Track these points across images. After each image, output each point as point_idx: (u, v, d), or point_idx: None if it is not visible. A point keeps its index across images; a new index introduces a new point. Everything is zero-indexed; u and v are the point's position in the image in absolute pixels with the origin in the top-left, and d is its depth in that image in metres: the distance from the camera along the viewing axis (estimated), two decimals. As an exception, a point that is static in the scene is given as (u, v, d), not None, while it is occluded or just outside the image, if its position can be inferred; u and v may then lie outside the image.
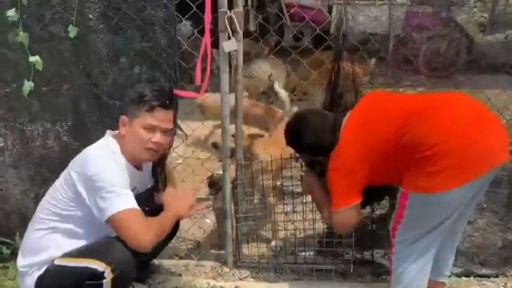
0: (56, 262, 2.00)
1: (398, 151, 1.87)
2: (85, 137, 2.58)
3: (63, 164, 2.56)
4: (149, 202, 2.23)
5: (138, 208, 1.92)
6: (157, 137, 2.01)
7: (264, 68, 4.77)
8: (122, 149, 2.03)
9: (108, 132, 2.12)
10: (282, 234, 2.75)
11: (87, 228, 2.04)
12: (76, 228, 2.02)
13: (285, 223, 2.69)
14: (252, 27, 5.69)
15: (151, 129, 2.00)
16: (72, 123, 2.59)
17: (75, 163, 2.02)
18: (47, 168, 2.66)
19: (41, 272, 2.03)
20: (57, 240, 2.02)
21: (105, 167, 1.92)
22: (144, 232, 1.89)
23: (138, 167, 2.12)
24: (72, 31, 2.36)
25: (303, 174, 2.41)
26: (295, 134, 2.20)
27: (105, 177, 1.89)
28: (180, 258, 2.82)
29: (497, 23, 7.19)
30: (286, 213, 2.70)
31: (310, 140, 2.14)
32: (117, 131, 2.12)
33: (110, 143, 2.04)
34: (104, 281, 1.89)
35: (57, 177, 2.54)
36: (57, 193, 2.02)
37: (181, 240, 2.92)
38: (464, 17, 6.61)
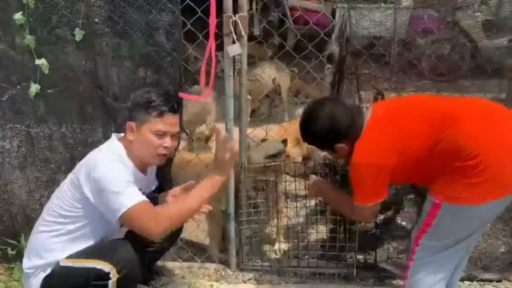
0: (62, 263, 2.02)
1: (435, 155, 1.80)
2: (90, 139, 2.61)
3: (68, 166, 2.63)
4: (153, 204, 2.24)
5: (147, 200, 1.93)
6: (167, 141, 2.03)
7: (268, 72, 4.78)
8: (129, 153, 2.04)
9: (114, 135, 2.13)
10: (285, 237, 2.74)
11: (93, 230, 2.05)
12: (82, 230, 2.04)
13: (288, 226, 2.69)
14: (256, 31, 5.69)
15: (162, 134, 2.01)
16: (78, 126, 2.60)
17: (82, 166, 2.03)
18: (52, 170, 2.68)
19: (47, 273, 2.04)
20: (63, 242, 2.04)
21: (112, 169, 1.93)
22: (153, 224, 1.90)
23: (143, 171, 2.14)
24: (79, 34, 2.38)
25: (308, 180, 2.38)
26: (309, 122, 2.04)
27: (113, 179, 1.91)
28: (184, 260, 2.82)
29: (502, 27, 7.16)
30: (289, 217, 2.70)
31: (326, 125, 1.97)
32: (122, 134, 2.13)
33: (116, 147, 2.05)
34: (110, 281, 1.91)
35: (62, 179, 2.57)
36: (63, 195, 2.03)
37: (184, 242, 2.91)
38: (469, 22, 6.59)
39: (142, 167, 2.12)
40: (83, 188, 1.95)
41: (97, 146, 2.50)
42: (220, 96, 3.28)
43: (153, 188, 2.30)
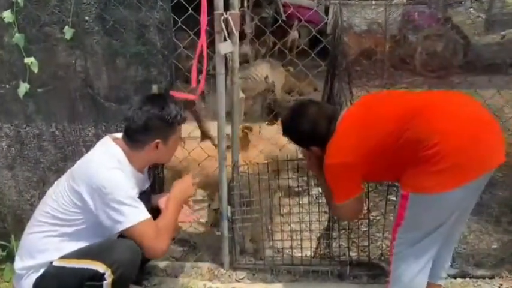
0: (55, 263, 1.99)
1: (399, 148, 1.84)
2: (81, 139, 2.59)
3: (59, 166, 2.64)
4: (146, 203, 2.22)
5: (150, 217, 1.96)
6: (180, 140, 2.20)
7: (261, 70, 4.77)
8: (130, 158, 2.03)
9: (109, 137, 2.10)
10: (278, 235, 2.74)
11: (88, 233, 2.03)
12: (76, 232, 2.02)
13: (282, 224, 2.68)
14: (248, 29, 5.67)
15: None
16: (68, 125, 2.57)
17: (80, 172, 1.99)
18: (43, 170, 2.65)
19: (39, 273, 2.02)
20: (55, 243, 2.02)
21: (114, 178, 1.92)
22: (157, 241, 1.95)
23: (141, 171, 2.13)
24: (68, 32, 2.35)
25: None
26: (292, 121, 2.17)
27: (116, 189, 1.90)
28: (176, 259, 2.81)
29: (494, 23, 7.21)
30: (282, 215, 2.69)
31: (306, 128, 2.10)
32: (116, 135, 2.11)
33: (114, 151, 2.02)
34: (104, 282, 1.90)
35: (53, 179, 2.55)
36: (59, 197, 2.01)
37: (177, 241, 2.91)
38: (461, 18, 6.63)
39: (142, 168, 2.13)
40: (83, 194, 1.93)
41: (88, 146, 2.55)
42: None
43: (147, 186, 2.28)
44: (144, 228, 1.92)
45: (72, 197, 1.97)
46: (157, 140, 2.00)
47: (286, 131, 2.23)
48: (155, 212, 2.12)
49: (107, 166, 1.94)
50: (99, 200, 1.91)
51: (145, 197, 2.22)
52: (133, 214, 1.91)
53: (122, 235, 2.02)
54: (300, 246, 2.71)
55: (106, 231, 1.99)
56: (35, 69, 2.39)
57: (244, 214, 2.63)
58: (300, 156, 2.47)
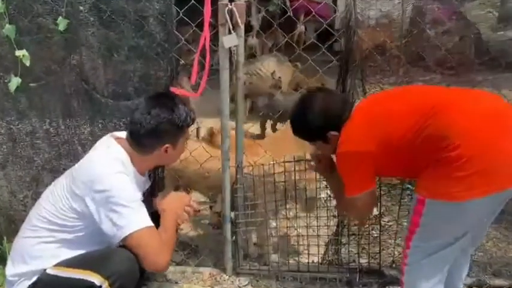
0: (49, 271, 1.90)
1: (418, 144, 1.68)
2: (76, 136, 2.48)
3: (53, 165, 2.53)
4: (147, 204, 2.10)
5: (153, 225, 1.86)
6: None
7: (267, 66, 4.60)
8: (133, 160, 1.94)
9: (111, 137, 2.00)
10: (284, 240, 2.64)
11: (87, 240, 1.94)
12: (74, 239, 1.92)
13: (288, 228, 2.56)
14: (254, 21, 5.47)
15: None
16: (63, 122, 2.46)
17: (82, 174, 1.89)
18: (36, 170, 2.54)
19: (32, 281, 1.92)
20: (51, 249, 1.92)
21: (119, 183, 1.83)
22: (161, 252, 1.84)
23: (143, 173, 2.05)
24: (62, 23, 2.23)
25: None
26: (302, 111, 1.97)
27: (121, 193, 1.82)
28: (177, 264, 2.71)
29: (509, 18, 7.03)
30: (289, 219, 2.57)
31: (318, 115, 1.91)
32: (118, 134, 2.03)
33: (118, 152, 1.93)
34: None
35: (47, 178, 2.47)
36: (57, 201, 1.91)
37: (177, 244, 2.74)
38: (480, 12, 6.46)
39: (144, 171, 2.05)
40: (84, 197, 1.84)
41: (84, 144, 2.48)
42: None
43: (147, 187, 2.18)
44: (147, 237, 1.82)
45: (72, 202, 1.87)
46: (167, 145, 1.92)
47: (298, 126, 2.02)
48: (156, 217, 2.00)
49: (112, 170, 1.85)
50: (101, 204, 1.82)
51: (146, 200, 2.10)
52: (137, 219, 1.82)
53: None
54: (306, 252, 2.60)
55: (106, 239, 1.89)
56: (27, 63, 2.28)
57: (249, 217, 2.52)
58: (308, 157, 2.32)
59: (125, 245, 1.85)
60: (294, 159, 2.36)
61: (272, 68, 4.62)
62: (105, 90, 2.37)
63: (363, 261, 2.54)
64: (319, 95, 1.98)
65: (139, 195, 1.90)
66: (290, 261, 2.63)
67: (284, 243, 2.69)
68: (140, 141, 1.91)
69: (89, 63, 2.33)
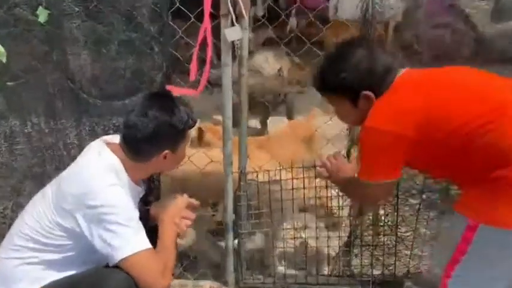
0: None
1: (473, 148, 1.43)
2: (61, 140, 2.26)
3: (36, 172, 2.30)
4: (143, 215, 1.89)
5: (151, 247, 1.68)
6: None
7: (271, 61, 4.35)
8: (127, 168, 1.74)
9: (102, 142, 1.80)
10: (291, 251, 2.48)
11: (78, 261, 1.75)
12: (63, 260, 1.73)
13: (295, 239, 2.38)
14: (259, 12, 5.16)
15: None
16: (46, 125, 2.24)
17: (70, 186, 1.70)
18: (17, 178, 2.32)
19: None
20: (37, 271, 1.72)
21: (114, 197, 1.65)
22: (161, 276, 1.65)
23: (138, 182, 1.85)
24: (42, 14, 2.01)
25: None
26: (339, 55, 1.64)
27: (117, 209, 1.63)
28: (175, 277, 2.45)
29: (503, 11, 6.93)
30: (296, 229, 2.41)
31: (356, 65, 1.58)
32: (108, 138, 1.84)
33: (111, 160, 1.73)
34: None
35: (30, 188, 2.27)
36: (42, 217, 1.70)
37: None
38: (470, 5, 6.36)
39: (139, 179, 1.84)
40: (74, 212, 1.64)
41: (69, 149, 2.27)
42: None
43: (141, 194, 1.95)
44: (145, 261, 1.64)
45: (59, 218, 1.67)
46: (166, 151, 1.72)
47: (327, 73, 1.66)
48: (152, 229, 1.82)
49: (106, 181, 1.66)
50: (95, 222, 1.63)
51: (141, 211, 1.90)
52: (135, 240, 1.63)
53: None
54: (315, 263, 2.44)
55: (100, 259, 1.71)
56: (3, 59, 2.04)
57: (252, 228, 2.35)
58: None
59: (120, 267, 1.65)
60: (303, 164, 2.16)
61: (276, 63, 4.38)
62: (92, 90, 2.16)
63: (376, 272, 2.37)
64: (362, 45, 1.65)
65: (136, 212, 1.71)
66: (297, 273, 2.45)
67: (291, 253, 2.51)
68: (136, 147, 1.71)
69: (74, 59, 2.12)
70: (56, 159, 2.26)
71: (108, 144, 1.77)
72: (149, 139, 1.67)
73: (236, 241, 2.34)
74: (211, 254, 2.67)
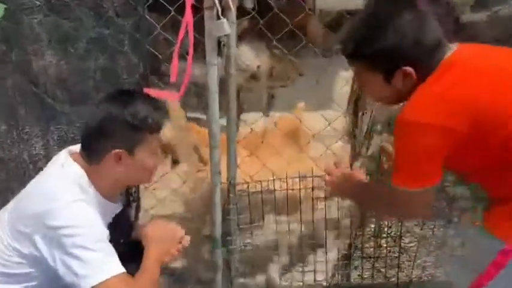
0: None
1: None
2: (26, 151, 2.07)
3: None
4: (125, 233, 1.75)
5: (124, 271, 1.47)
6: (161, 156, 1.73)
7: (250, 56, 4.15)
8: (92, 179, 1.53)
9: (67, 153, 1.58)
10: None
11: None
12: None
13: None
14: (248, 4, 4.92)
15: (158, 150, 1.62)
16: (8, 135, 2.05)
17: (29, 203, 1.49)
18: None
19: None
20: None
21: (78, 215, 1.44)
22: None
23: (113, 197, 1.63)
24: None
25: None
26: (388, 16, 1.29)
27: (81, 230, 1.42)
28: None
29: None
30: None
31: (414, 25, 1.26)
32: (75, 147, 1.61)
33: (74, 172, 1.52)
34: None
35: None
36: None
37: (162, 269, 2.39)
38: None
39: (114, 194, 1.62)
40: (35, 239, 1.44)
41: (36, 162, 2.09)
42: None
43: (117, 211, 1.72)
44: (116, 285, 1.43)
45: (17, 243, 1.47)
46: (118, 150, 1.49)
47: (367, 38, 1.32)
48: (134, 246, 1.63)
49: (68, 197, 1.45)
50: (56, 246, 1.42)
51: (121, 220, 1.72)
52: (104, 266, 1.43)
53: None
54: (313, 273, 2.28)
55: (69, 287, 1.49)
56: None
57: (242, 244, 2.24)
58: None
59: None
60: (299, 174, 1.98)
61: (255, 58, 4.19)
62: (59, 94, 1.99)
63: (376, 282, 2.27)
64: (410, 6, 1.29)
65: (105, 231, 1.51)
66: (293, 284, 2.33)
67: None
68: (86, 143, 1.53)
69: (36, 59, 1.95)
70: (19, 173, 2.08)
71: (72, 154, 1.56)
72: (96, 132, 1.49)
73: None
74: (200, 270, 2.49)
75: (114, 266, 1.44)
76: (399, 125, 1.29)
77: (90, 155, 1.52)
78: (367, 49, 1.30)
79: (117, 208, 1.68)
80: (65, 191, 1.45)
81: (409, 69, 1.27)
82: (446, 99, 1.22)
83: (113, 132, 1.47)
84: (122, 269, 1.45)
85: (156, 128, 1.53)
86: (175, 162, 2.53)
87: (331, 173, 1.61)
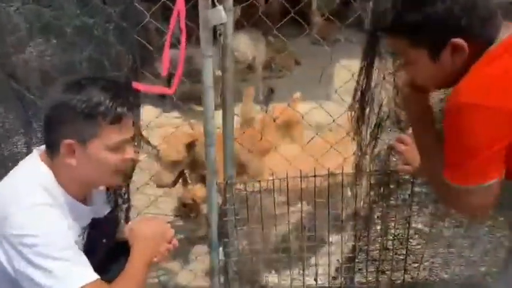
0: None
1: None
2: (7, 152, 1.95)
3: None
4: (107, 232, 1.62)
5: (98, 277, 1.36)
6: (129, 151, 1.44)
7: (245, 45, 4.00)
8: (61, 180, 1.40)
9: (36, 152, 1.45)
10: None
11: None
12: None
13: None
14: None
15: (120, 147, 1.40)
16: None
17: None
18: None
19: None
20: None
21: (40, 220, 1.31)
22: None
23: (86, 199, 1.50)
24: None
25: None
26: None
27: (44, 238, 1.30)
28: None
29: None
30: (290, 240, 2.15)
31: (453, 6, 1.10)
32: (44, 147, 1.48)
33: (40, 174, 1.39)
34: None
35: None
36: None
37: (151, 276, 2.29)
38: None
39: (84, 194, 1.48)
40: None
41: (17, 160, 1.88)
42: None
43: (105, 213, 1.63)
44: None
45: None
46: (69, 141, 1.35)
47: (404, 12, 1.16)
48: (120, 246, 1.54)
49: (30, 201, 1.33)
50: (18, 256, 1.30)
51: (105, 223, 1.61)
52: (73, 274, 1.31)
53: None
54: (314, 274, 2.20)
55: None
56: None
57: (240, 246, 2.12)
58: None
59: None
60: (300, 174, 1.86)
61: (250, 48, 4.04)
62: (41, 88, 1.84)
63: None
64: None
65: (73, 237, 1.39)
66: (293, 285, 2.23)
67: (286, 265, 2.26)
68: (44, 137, 1.42)
69: (15, 52, 1.80)
70: (1, 172, 1.88)
71: (42, 153, 1.44)
72: (47, 121, 1.38)
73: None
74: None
75: (84, 274, 1.33)
76: (455, 109, 1.10)
77: (47, 148, 1.40)
78: (411, 19, 1.13)
79: (93, 211, 1.56)
80: (27, 195, 1.34)
81: (460, 41, 1.10)
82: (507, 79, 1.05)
83: (61, 119, 1.35)
84: (95, 276, 1.34)
85: (113, 118, 1.35)
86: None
87: (404, 140, 1.45)
